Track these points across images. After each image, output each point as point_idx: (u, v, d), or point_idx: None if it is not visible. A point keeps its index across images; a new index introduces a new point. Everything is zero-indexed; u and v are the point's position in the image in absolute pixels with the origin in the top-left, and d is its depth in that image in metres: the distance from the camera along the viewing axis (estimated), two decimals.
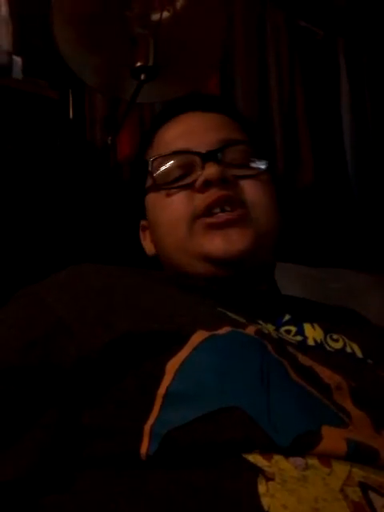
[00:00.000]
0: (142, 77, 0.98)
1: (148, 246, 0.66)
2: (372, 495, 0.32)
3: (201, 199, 0.56)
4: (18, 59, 1.08)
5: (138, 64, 0.97)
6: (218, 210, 0.55)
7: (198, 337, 0.42)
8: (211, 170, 0.55)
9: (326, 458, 0.34)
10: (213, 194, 0.55)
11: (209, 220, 0.55)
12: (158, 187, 0.60)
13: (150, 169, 0.60)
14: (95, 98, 1.36)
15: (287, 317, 0.54)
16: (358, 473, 0.34)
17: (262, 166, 0.60)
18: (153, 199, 0.62)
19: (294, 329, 0.52)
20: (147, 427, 0.37)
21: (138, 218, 0.68)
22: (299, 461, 0.34)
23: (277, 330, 0.51)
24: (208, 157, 0.57)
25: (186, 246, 0.56)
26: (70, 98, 1.27)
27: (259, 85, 1.79)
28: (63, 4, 0.95)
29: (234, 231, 0.54)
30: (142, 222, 0.67)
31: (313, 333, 0.52)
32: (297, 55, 1.90)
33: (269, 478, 0.32)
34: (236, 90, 1.73)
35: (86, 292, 0.49)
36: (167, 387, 0.39)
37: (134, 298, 0.49)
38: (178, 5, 1.04)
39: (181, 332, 0.43)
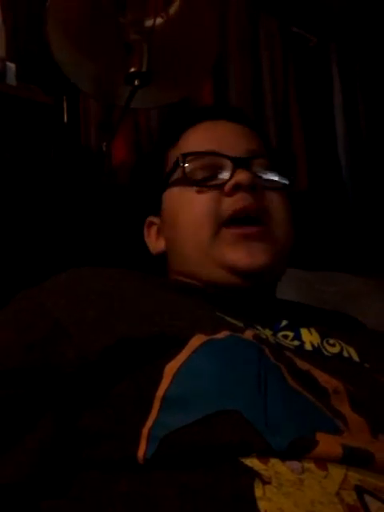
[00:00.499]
0: (136, 82, 0.98)
1: (153, 244, 0.65)
2: (367, 498, 0.32)
3: (228, 203, 0.57)
4: (11, 65, 1.09)
5: (132, 70, 0.98)
6: (244, 222, 0.56)
7: (197, 341, 0.42)
8: (242, 175, 0.56)
9: (323, 462, 0.34)
10: (240, 199, 0.56)
11: (236, 231, 0.56)
12: (187, 182, 0.59)
13: (181, 163, 0.60)
14: (89, 103, 1.37)
15: (284, 322, 0.54)
16: (354, 476, 0.34)
17: (285, 182, 0.61)
18: (177, 195, 0.61)
19: (291, 334, 0.52)
20: (145, 430, 0.37)
21: (145, 215, 0.67)
22: (296, 464, 0.34)
23: (274, 335, 0.51)
24: (240, 162, 0.58)
25: (207, 250, 0.57)
26: (65, 104, 1.27)
27: (253, 90, 1.80)
28: (57, 10, 0.95)
29: (258, 245, 0.55)
30: (150, 219, 0.66)
31: (310, 337, 0.52)
32: (290, 61, 1.92)
33: (265, 482, 0.33)
34: (230, 96, 1.74)
35: (84, 295, 0.49)
36: (165, 390, 0.39)
37: (133, 301, 0.49)
38: (172, 11, 1.04)
39: (179, 336, 0.43)
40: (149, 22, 1.03)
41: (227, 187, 0.57)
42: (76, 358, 0.43)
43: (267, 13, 1.89)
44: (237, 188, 0.56)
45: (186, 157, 0.60)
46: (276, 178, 0.61)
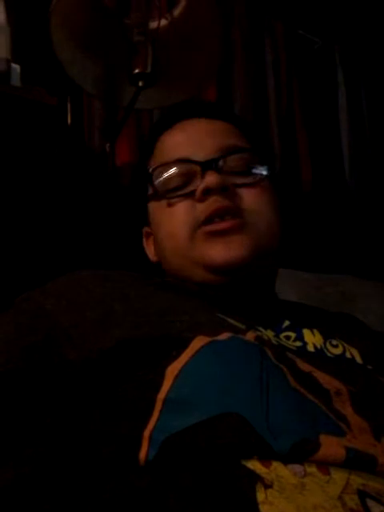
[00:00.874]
0: (140, 83, 0.99)
1: (151, 253, 0.67)
2: (370, 503, 0.32)
3: (201, 209, 0.56)
4: (16, 67, 1.09)
5: (136, 71, 0.98)
6: (217, 219, 0.55)
7: (199, 342, 0.42)
8: (210, 179, 0.56)
9: (325, 466, 0.34)
10: (212, 203, 0.55)
11: (209, 227, 0.55)
12: (159, 196, 0.60)
13: (150, 177, 0.60)
14: (93, 104, 1.37)
15: (287, 322, 0.54)
16: (357, 480, 0.33)
17: (263, 173, 0.60)
18: (154, 208, 0.62)
19: (293, 335, 0.52)
20: (146, 433, 0.37)
21: (141, 225, 0.68)
22: (298, 468, 0.34)
23: (276, 336, 0.51)
24: (208, 165, 0.57)
25: (186, 252, 0.57)
26: (69, 105, 1.28)
27: (257, 92, 1.80)
28: (62, 11, 0.95)
29: (233, 238, 0.55)
30: (145, 229, 0.67)
31: (312, 338, 0.52)
32: (294, 63, 1.92)
33: (267, 486, 0.32)
34: (234, 98, 1.74)
35: (85, 297, 0.49)
36: (167, 392, 0.39)
37: (134, 303, 0.49)
38: (176, 13, 1.04)
39: (181, 337, 0.43)
40: (153, 24, 1.03)
41: (197, 193, 0.56)
42: (77, 360, 0.43)
43: (272, 15, 1.89)
44: (207, 192, 0.56)
45: (154, 171, 0.60)
46: (256, 171, 0.59)
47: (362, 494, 0.32)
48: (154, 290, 0.52)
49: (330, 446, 0.35)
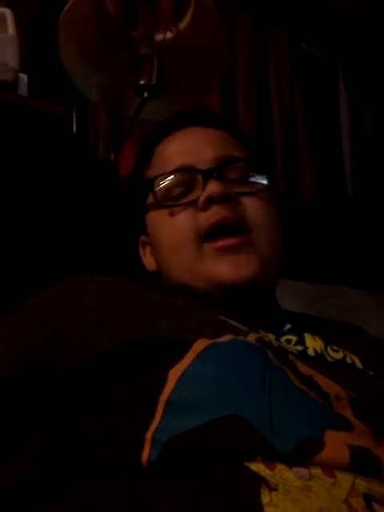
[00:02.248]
0: (146, 94, 1.00)
1: (148, 262, 0.66)
2: (376, 506, 0.32)
3: (204, 219, 0.56)
4: (23, 76, 1.10)
5: (142, 82, 0.99)
6: (223, 234, 0.55)
7: (200, 344, 0.42)
8: (213, 188, 0.55)
9: (330, 469, 0.34)
10: (215, 213, 0.55)
11: (217, 244, 0.55)
12: (159, 205, 0.59)
13: (151, 186, 0.60)
14: (99, 114, 1.38)
15: (288, 326, 0.54)
16: (362, 484, 0.33)
17: (263, 182, 0.60)
18: (154, 217, 0.62)
19: (294, 338, 0.52)
20: (149, 434, 0.37)
21: (137, 234, 0.67)
22: (303, 471, 0.34)
23: (277, 339, 0.51)
24: (209, 174, 0.57)
25: (193, 268, 0.56)
26: (74, 114, 1.29)
27: (260, 104, 1.82)
28: (70, 23, 0.97)
29: (242, 257, 0.55)
30: (142, 238, 0.67)
31: (313, 343, 0.52)
32: (297, 76, 1.94)
33: (272, 488, 0.32)
34: (237, 110, 1.75)
35: (85, 301, 0.49)
36: (169, 395, 0.39)
37: (135, 306, 0.49)
38: (182, 26, 1.06)
39: (183, 340, 0.43)
40: (159, 37, 1.05)
41: (200, 202, 0.56)
42: (77, 364, 0.43)
43: (275, 28, 1.92)
44: (209, 201, 0.55)
45: (155, 180, 0.60)
46: (255, 180, 0.60)
47: (368, 498, 0.32)
48: (154, 293, 0.52)
49: (335, 446, 0.35)
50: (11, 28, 1.07)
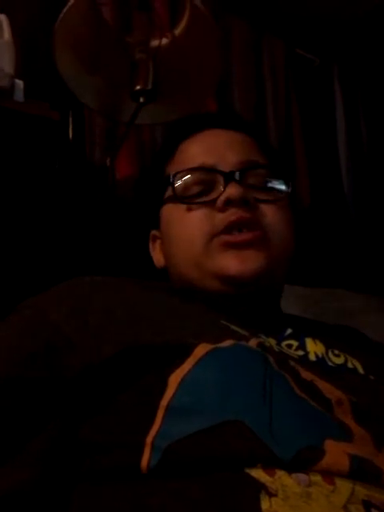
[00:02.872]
0: (141, 99, 1.00)
1: (157, 257, 0.66)
2: None
3: (220, 219, 0.56)
4: (19, 82, 1.11)
5: (138, 87, 0.99)
6: (235, 231, 0.55)
7: (201, 349, 0.42)
8: (233, 190, 0.56)
9: (330, 476, 0.34)
10: (233, 214, 0.55)
11: (226, 238, 0.55)
12: (177, 200, 0.59)
13: (171, 181, 0.60)
14: (95, 119, 1.39)
15: (289, 331, 0.54)
16: (362, 491, 0.33)
17: (282, 190, 0.60)
18: (170, 212, 0.62)
19: (295, 343, 0.52)
20: (149, 440, 0.37)
21: (148, 229, 0.67)
22: (302, 477, 0.33)
23: (278, 344, 0.51)
24: (231, 176, 0.57)
25: (200, 261, 0.56)
26: (70, 120, 1.29)
27: (256, 109, 1.82)
28: (65, 29, 0.97)
29: (249, 252, 0.55)
30: (153, 232, 0.66)
31: (314, 347, 0.52)
32: (293, 81, 1.94)
33: (271, 494, 0.32)
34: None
35: (86, 304, 0.49)
36: (169, 400, 0.39)
37: (137, 309, 0.49)
38: (177, 32, 1.07)
39: (184, 344, 0.43)
40: (155, 42, 1.05)
41: (219, 203, 0.56)
42: (79, 366, 0.43)
43: (271, 33, 1.93)
44: (228, 203, 0.56)
45: (175, 175, 0.60)
46: (275, 187, 0.60)
47: (367, 505, 0.32)
48: (155, 296, 0.52)
49: (335, 454, 0.35)
50: (7, 34, 1.08)
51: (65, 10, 0.96)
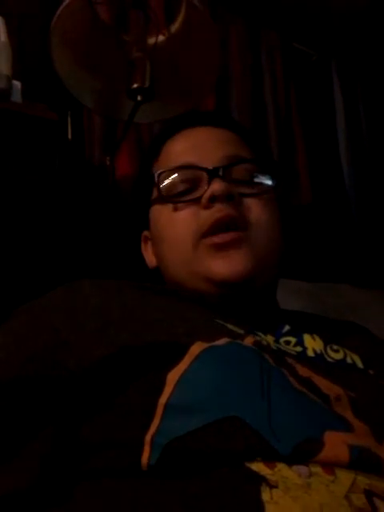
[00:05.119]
0: (139, 98, 1.00)
1: (149, 258, 0.66)
2: (377, 502, 0.32)
3: (206, 217, 0.56)
4: (17, 83, 1.11)
5: (135, 85, 0.99)
6: (222, 231, 0.55)
7: (197, 348, 0.42)
8: (217, 186, 0.56)
9: (330, 467, 0.34)
10: (218, 211, 0.55)
11: (212, 240, 0.55)
12: (163, 200, 0.60)
13: (155, 181, 0.60)
14: (93, 118, 1.39)
15: (287, 327, 0.54)
16: (363, 481, 0.33)
17: (268, 184, 0.60)
18: (157, 212, 0.62)
19: (293, 339, 0.52)
20: (148, 437, 0.37)
21: (140, 230, 0.68)
22: (302, 469, 0.34)
23: (276, 341, 0.51)
24: (214, 173, 0.57)
25: (189, 263, 0.56)
26: (69, 120, 1.29)
27: (254, 105, 1.82)
28: (62, 28, 0.97)
29: (236, 253, 0.54)
30: (145, 233, 0.67)
31: (313, 343, 0.52)
32: (291, 76, 1.94)
33: (272, 486, 0.32)
34: (232, 111, 1.76)
35: (84, 307, 0.49)
36: (168, 398, 0.39)
37: (133, 310, 0.49)
38: (173, 29, 1.06)
39: (179, 343, 0.43)
40: (151, 40, 1.05)
41: (203, 200, 0.56)
42: (77, 368, 0.43)
43: (268, 28, 1.92)
44: (213, 200, 0.56)
45: (160, 175, 0.60)
46: (262, 181, 0.60)
47: (369, 494, 0.32)
48: (151, 297, 0.52)
49: (335, 445, 0.35)
50: (3, 35, 1.08)
51: (60, 9, 0.96)
